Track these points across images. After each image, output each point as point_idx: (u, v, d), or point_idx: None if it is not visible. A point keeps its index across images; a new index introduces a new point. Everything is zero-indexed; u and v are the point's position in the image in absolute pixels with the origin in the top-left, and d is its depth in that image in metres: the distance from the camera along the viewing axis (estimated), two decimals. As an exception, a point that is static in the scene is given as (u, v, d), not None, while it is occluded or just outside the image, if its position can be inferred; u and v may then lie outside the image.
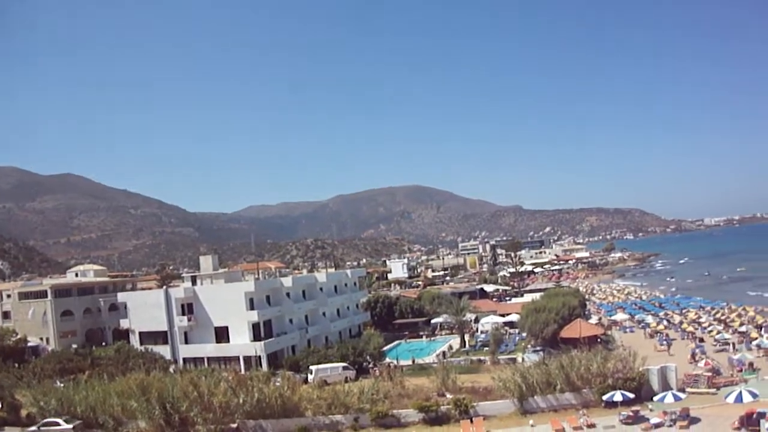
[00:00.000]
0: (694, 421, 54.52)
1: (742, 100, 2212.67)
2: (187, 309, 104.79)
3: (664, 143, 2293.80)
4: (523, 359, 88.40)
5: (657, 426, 54.11)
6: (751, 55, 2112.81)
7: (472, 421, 59.12)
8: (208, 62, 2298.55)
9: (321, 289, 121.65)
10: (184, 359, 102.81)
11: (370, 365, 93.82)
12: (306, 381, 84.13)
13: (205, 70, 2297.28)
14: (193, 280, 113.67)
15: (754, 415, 51.26)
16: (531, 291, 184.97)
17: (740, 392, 54.39)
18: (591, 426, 55.58)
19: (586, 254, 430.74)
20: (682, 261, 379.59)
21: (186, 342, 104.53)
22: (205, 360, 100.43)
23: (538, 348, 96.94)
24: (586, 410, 60.02)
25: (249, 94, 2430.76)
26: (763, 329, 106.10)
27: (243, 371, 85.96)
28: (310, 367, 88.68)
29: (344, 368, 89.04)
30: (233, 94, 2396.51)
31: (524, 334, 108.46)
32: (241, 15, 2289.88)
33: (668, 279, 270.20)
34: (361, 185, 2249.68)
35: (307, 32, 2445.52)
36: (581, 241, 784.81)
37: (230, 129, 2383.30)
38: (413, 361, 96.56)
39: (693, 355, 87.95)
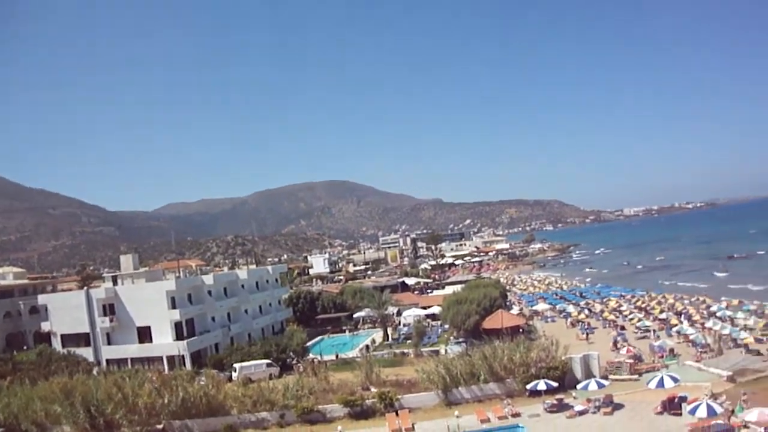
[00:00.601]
0: (618, 407, 55.33)
1: (667, 90, 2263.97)
2: (109, 310, 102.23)
3: (582, 135, 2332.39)
4: (446, 351, 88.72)
5: (581, 413, 54.73)
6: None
7: (397, 414, 58.99)
8: (118, 59, 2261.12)
9: (242, 286, 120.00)
10: (108, 361, 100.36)
11: (294, 361, 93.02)
12: (230, 379, 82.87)
13: (116, 66, 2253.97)
14: (114, 280, 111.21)
15: (676, 400, 52.30)
16: (452, 283, 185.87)
17: (662, 378, 55.30)
18: (516, 415, 55.96)
19: (507, 246, 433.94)
20: (601, 251, 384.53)
21: (108, 343, 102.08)
22: (129, 361, 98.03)
23: (461, 339, 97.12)
24: (511, 400, 60.44)
25: (162, 90, 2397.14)
26: (682, 316, 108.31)
27: (167, 371, 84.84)
28: (234, 365, 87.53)
29: (268, 365, 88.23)
30: (145, 90, 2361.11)
31: (446, 326, 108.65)
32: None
33: (588, 269, 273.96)
34: (281, 181, 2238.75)
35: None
36: (501, 232, 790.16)
37: (148, 125, 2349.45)
38: (337, 356, 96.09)
39: (615, 343, 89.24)
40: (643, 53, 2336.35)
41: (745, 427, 45.09)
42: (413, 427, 55.06)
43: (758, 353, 76.43)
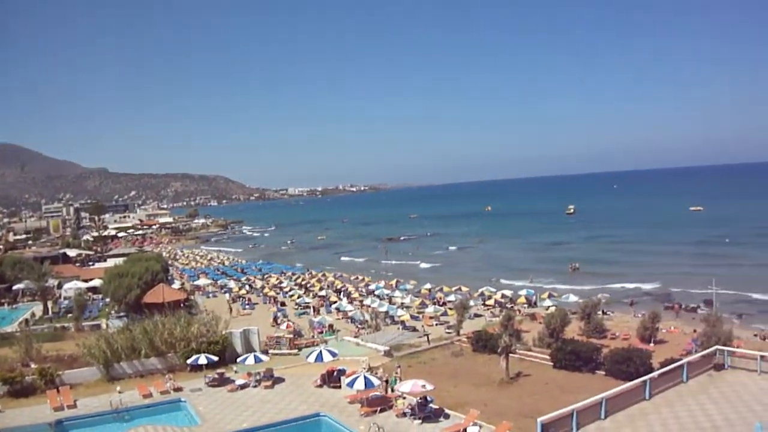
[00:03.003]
0: (279, 380, 55.82)
1: (333, 83, 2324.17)
2: None
3: (248, 112, 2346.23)
4: (107, 325, 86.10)
5: (242, 387, 54.66)
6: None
7: (58, 391, 56.06)
8: None
9: None
10: None
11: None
12: None
13: None
14: None
15: (335, 373, 53.63)
16: (114, 256, 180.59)
17: (320, 352, 56.53)
18: (178, 390, 54.87)
19: (171, 220, 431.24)
20: (264, 228, 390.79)
21: None
22: None
23: (122, 313, 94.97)
24: (173, 374, 59.24)
25: None
26: (342, 293, 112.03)
27: None
28: None
29: None
30: None
31: (108, 300, 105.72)
32: None
33: (250, 246, 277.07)
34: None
35: None
36: (166, 206, 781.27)
37: None
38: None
39: (275, 319, 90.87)
40: (310, 50, 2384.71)
41: (402, 397, 47.11)
42: (75, 403, 52.53)
43: (414, 329, 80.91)
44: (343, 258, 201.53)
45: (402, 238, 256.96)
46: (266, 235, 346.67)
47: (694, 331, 71.86)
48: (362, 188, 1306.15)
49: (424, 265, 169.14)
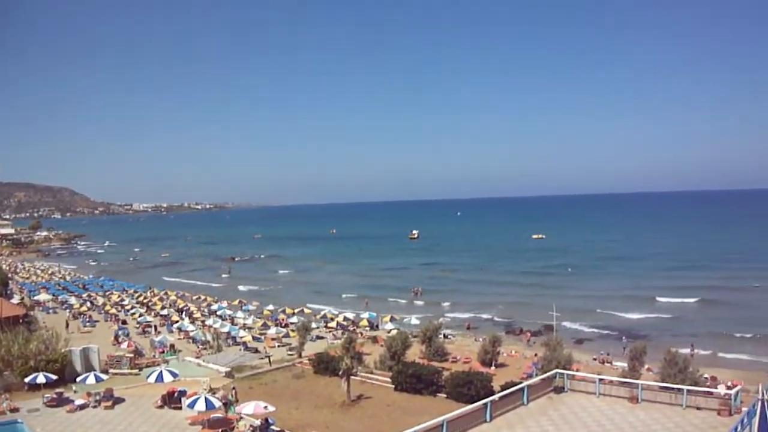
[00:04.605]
0: (119, 401, 54.39)
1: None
2: None
3: (94, 125, 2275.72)
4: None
5: (82, 407, 52.98)
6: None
7: None
8: None
9: None
10: None
11: None
12: None
13: None
14: None
15: (176, 394, 52.72)
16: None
17: (161, 372, 55.62)
18: (15, 410, 52.73)
19: (12, 231, 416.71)
20: (108, 244, 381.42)
21: None
22: None
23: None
24: (9, 394, 56.96)
25: None
26: (184, 313, 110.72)
27: None
28: None
29: None
30: None
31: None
32: None
33: (92, 262, 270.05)
34: None
35: None
36: (8, 217, 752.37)
37: None
38: None
39: (116, 337, 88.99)
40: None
41: (243, 419, 46.83)
42: None
43: (256, 351, 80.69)
44: (185, 276, 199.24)
45: (237, 258, 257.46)
46: (100, 251, 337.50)
47: (535, 355, 74.93)
48: (207, 206, 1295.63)
49: (254, 288, 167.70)
